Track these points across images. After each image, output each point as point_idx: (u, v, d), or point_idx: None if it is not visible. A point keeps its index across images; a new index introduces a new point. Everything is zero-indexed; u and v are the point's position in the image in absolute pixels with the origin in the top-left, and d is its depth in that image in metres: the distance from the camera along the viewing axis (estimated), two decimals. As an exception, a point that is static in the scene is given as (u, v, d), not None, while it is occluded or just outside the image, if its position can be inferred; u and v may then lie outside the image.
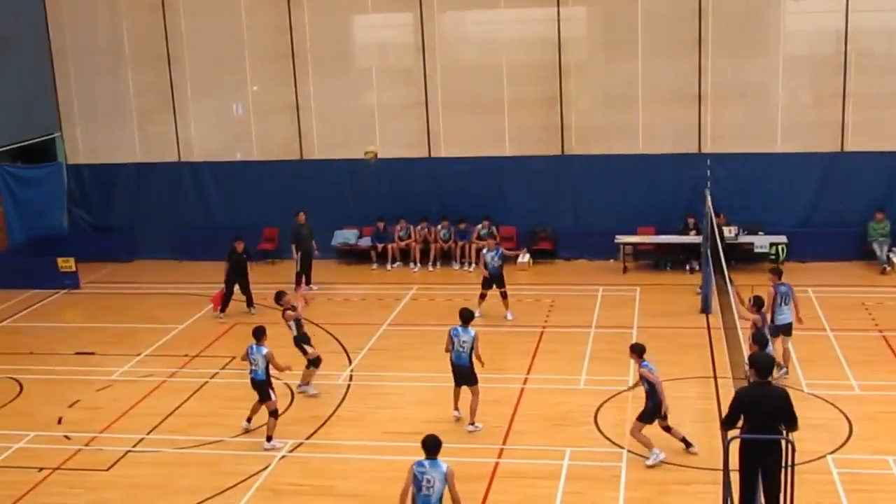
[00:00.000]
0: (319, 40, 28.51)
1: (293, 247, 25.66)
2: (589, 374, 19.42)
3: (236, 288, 23.89)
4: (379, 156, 25.19)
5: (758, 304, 17.40)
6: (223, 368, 20.16)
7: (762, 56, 27.21)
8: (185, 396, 18.87)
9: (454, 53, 28.48)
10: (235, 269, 23.81)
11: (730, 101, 27.18)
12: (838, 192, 27.01)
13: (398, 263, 28.03)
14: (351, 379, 19.50)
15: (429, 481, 11.77)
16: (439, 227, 27.85)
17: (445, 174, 28.28)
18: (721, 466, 11.45)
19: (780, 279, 18.40)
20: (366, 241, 28.33)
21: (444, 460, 11.98)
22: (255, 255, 28.30)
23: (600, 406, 17.75)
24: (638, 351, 15.70)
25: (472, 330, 16.98)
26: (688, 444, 15.70)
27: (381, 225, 27.94)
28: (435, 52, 28.08)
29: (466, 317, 17.23)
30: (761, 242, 26.21)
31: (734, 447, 11.65)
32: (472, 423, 16.95)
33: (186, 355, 21.24)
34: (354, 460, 16.11)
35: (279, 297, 19.14)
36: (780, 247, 26.42)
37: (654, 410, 15.43)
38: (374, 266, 27.97)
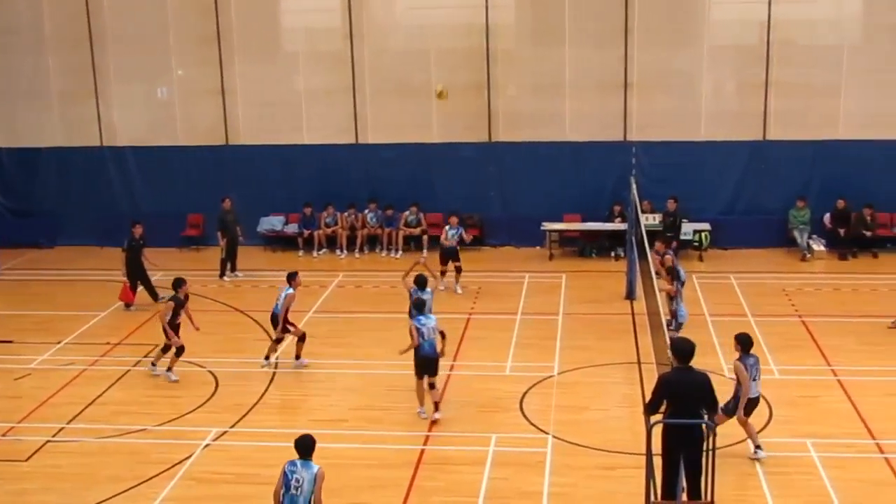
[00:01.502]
0: (246, 23, 28.21)
1: (219, 233, 25.42)
2: (515, 360, 19.49)
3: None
4: (305, 141, 24.98)
5: (672, 274, 19.06)
6: (146, 356, 19.87)
7: (687, 45, 27.51)
8: (106, 385, 18.57)
9: (383, 39, 28.37)
10: (135, 256, 23.33)
11: (655, 89, 27.44)
12: (760, 180, 27.46)
13: (324, 250, 27.87)
14: (276, 367, 19.35)
15: (297, 481, 11.55)
16: (367, 211, 27.76)
17: (373, 160, 28.19)
18: (644, 451, 11.55)
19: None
20: (292, 228, 28.14)
21: (316, 462, 11.79)
22: (180, 241, 28.07)
23: (526, 392, 17.82)
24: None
25: (433, 317, 17.00)
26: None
27: (307, 211, 27.75)
28: (363, 38, 27.95)
29: (421, 281, 18.26)
30: (685, 230, 26.50)
31: (657, 431, 11.78)
32: (437, 409, 16.84)
33: (108, 343, 20.91)
34: (280, 448, 15.89)
35: (177, 283, 18.78)
36: (703, 234, 26.77)
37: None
38: (301, 253, 27.78)
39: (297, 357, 19.21)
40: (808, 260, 26.32)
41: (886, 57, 26.74)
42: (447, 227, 24.10)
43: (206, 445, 16.00)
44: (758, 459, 14.83)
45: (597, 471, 14.86)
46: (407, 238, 27.60)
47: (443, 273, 23.87)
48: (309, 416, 17.03)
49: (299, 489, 11.49)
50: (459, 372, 18.93)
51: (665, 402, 11.96)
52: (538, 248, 27.67)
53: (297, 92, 28.53)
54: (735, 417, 14.85)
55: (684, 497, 12.21)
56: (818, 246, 26.70)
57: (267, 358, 19.25)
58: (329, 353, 19.98)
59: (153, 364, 18.91)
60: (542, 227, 27.25)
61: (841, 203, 26.72)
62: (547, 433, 16.17)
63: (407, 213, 27.52)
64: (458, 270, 23.89)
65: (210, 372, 18.69)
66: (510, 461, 15.33)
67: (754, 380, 14.71)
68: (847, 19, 27.39)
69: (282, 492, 11.53)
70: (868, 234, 26.46)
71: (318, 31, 28.87)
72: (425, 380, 16.62)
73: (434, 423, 16.50)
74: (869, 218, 26.52)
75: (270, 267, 26.39)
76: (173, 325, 18.48)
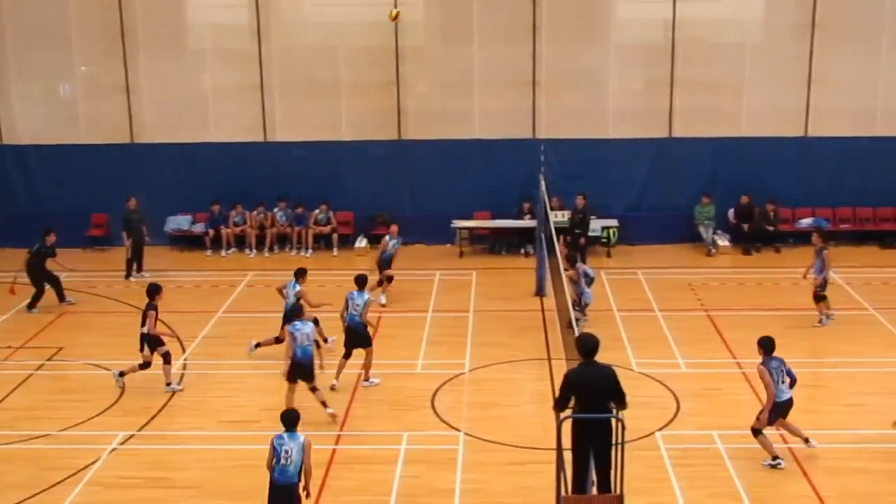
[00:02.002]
0: (151, 19, 27.76)
1: (124, 233, 25.01)
2: (426, 358, 19.52)
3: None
4: (212, 139, 24.64)
5: (571, 259, 20.34)
6: (49, 360, 19.45)
7: (594, 44, 27.85)
8: (8, 389, 18.12)
9: (291, 36, 28.18)
10: (41, 262, 22.74)
11: (564, 87, 27.71)
12: (667, 176, 27.85)
13: (233, 249, 27.58)
14: (185, 368, 19.09)
15: (287, 453, 12.31)
16: (276, 209, 27.52)
17: (282, 158, 27.95)
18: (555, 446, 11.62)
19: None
20: (200, 227, 27.78)
21: (302, 433, 12.54)
22: (84, 241, 27.55)
23: (437, 390, 17.85)
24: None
25: (366, 294, 17.91)
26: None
27: (215, 209, 27.42)
28: (271, 35, 27.72)
29: (361, 282, 18.03)
30: (594, 226, 26.77)
31: (567, 427, 11.85)
32: (368, 380, 18.02)
33: (10, 347, 20.39)
34: (190, 451, 15.79)
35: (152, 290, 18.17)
36: (611, 230, 27.06)
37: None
38: (209, 252, 27.46)
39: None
40: (713, 255, 26.78)
41: (787, 56, 27.33)
42: (387, 238, 23.18)
43: (114, 450, 15.71)
44: (774, 466, 14.85)
45: (508, 466, 14.94)
46: (317, 237, 27.44)
47: (380, 282, 22.91)
48: (219, 418, 16.83)
49: (289, 459, 12.31)
50: (371, 370, 18.85)
51: (573, 397, 12.03)
52: (449, 245, 27.74)
53: (203, 89, 28.17)
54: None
55: (594, 491, 12.31)
56: (723, 241, 27.19)
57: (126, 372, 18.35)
58: (239, 354, 19.75)
59: (167, 384, 18.06)
60: (452, 225, 27.31)
61: (744, 199, 27.24)
62: (459, 430, 16.22)
63: (317, 211, 27.37)
64: (389, 280, 23.16)
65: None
66: (422, 459, 15.33)
67: (781, 383, 14.76)
68: (749, 19, 27.97)
69: (273, 464, 12.34)
70: (771, 229, 27.02)
71: (226, 28, 28.55)
72: (298, 384, 16.52)
73: (334, 418, 16.50)
74: (772, 213, 27.08)
75: (177, 267, 26.07)
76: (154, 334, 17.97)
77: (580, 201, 25.91)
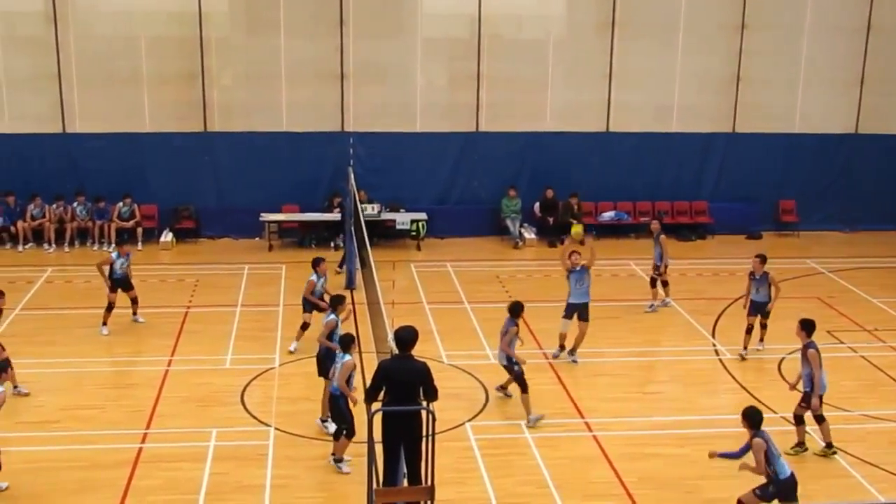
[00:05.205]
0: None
1: None
2: (235, 353, 19.22)
3: None
4: (9, 130, 23.49)
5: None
6: None
7: (401, 37, 27.98)
8: None
9: (89, 24, 27.15)
10: None
11: (371, 80, 27.72)
12: (474, 170, 28.24)
13: (31, 244, 26.49)
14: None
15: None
16: (75, 203, 26.58)
17: (81, 150, 26.93)
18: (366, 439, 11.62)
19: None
20: (-5, 221, 26.60)
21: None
22: None
23: (247, 385, 17.61)
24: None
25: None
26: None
27: (10, 200, 26.27)
28: (68, 22, 26.65)
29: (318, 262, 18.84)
30: (402, 219, 26.93)
31: (378, 419, 11.88)
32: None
33: None
34: (-17, 454, 15.09)
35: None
36: (420, 223, 27.24)
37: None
38: (8, 246, 26.31)
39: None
40: (520, 248, 27.32)
41: (589, 52, 28.10)
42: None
43: None
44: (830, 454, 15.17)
45: (318, 461, 14.86)
46: (120, 231, 26.62)
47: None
48: (16, 419, 16.05)
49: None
50: (177, 367, 18.48)
51: (384, 389, 12.07)
52: (257, 239, 27.36)
53: (-6, 77, 26.91)
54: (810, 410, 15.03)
55: (405, 483, 12.39)
56: (529, 234, 27.75)
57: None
58: (36, 352, 18.95)
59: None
60: (260, 218, 26.96)
61: (549, 192, 27.89)
62: (269, 425, 16.04)
63: (120, 204, 26.56)
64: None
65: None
66: (231, 455, 15.10)
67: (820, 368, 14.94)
68: (552, 15, 28.58)
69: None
70: (574, 221, 27.70)
71: (17, 15, 27.26)
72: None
73: (150, 420, 16.04)
74: (575, 206, 27.79)
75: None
76: None
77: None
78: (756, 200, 29.03)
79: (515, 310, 16.48)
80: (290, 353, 19.00)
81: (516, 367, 16.14)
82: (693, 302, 22.53)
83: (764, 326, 19.38)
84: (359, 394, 13.75)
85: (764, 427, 12.57)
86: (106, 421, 16.18)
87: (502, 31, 28.22)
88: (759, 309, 19.15)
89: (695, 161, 28.92)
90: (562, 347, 19.04)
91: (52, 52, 26.61)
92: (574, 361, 18.80)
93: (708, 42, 28.46)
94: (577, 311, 18.77)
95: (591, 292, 18.92)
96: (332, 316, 15.88)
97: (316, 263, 18.93)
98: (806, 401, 15.12)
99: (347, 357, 14.28)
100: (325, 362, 15.56)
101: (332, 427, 14.97)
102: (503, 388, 17.11)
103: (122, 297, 20.23)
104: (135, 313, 20.67)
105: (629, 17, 27.98)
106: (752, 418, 12.58)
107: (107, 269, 20.12)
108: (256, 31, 27.86)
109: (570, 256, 18.97)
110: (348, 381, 14.27)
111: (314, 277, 18.81)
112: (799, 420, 15.28)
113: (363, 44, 27.41)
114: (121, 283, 20.34)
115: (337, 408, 14.38)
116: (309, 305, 18.89)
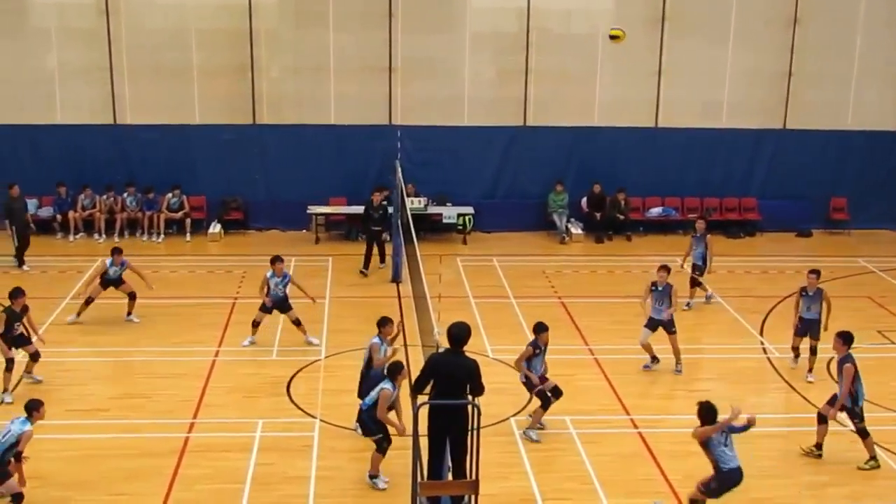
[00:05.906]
0: (-11, -4, 26.68)
1: (7, 222, 24.02)
2: (282, 344, 19.31)
3: None
4: (61, 121, 23.76)
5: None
6: None
7: (450, 31, 27.94)
8: None
9: (140, 17, 27.34)
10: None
11: (419, 74, 27.71)
12: (521, 164, 28.17)
13: (82, 234, 26.79)
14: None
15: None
16: (125, 194, 26.84)
17: (132, 142, 27.20)
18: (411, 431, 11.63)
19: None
20: (46, 212, 26.86)
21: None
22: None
23: (293, 376, 17.70)
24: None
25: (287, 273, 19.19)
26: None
27: (62, 190, 26.58)
28: (120, 15, 26.89)
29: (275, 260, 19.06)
30: (449, 213, 26.93)
31: (423, 412, 11.90)
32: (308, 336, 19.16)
33: None
34: (35, 441, 15.25)
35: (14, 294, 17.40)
36: (466, 217, 27.22)
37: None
38: (59, 236, 26.62)
39: None
40: (566, 243, 27.22)
41: (637, 47, 27.86)
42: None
43: (-47, 441, 15.05)
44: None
45: (363, 453, 14.85)
46: (169, 222, 26.85)
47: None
48: (66, 406, 16.27)
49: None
50: (225, 358, 18.62)
51: (431, 382, 12.09)
52: (304, 231, 27.49)
53: (48, 70, 27.13)
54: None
55: (450, 476, 12.40)
56: (576, 229, 27.65)
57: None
58: (85, 341, 19.22)
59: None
60: (307, 211, 27.07)
61: (596, 188, 27.77)
62: (314, 417, 16.11)
63: (169, 195, 26.79)
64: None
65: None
66: (277, 446, 15.18)
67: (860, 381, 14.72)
68: (601, 10, 28.38)
69: None
70: (621, 217, 27.61)
71: (71, 7, 27.53)
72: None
73: (197, 410, 16.15)
74: (622, 202, 27.66)
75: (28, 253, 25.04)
76: (7, 338, 17.03)
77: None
78: (806, 198, 28.70)
79: (536, 329, 16.04)
80: (244, 346, 19.11)
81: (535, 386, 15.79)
82: (741, 300, 22.34)
83: (814, 352, 17.93)
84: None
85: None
86: (154, 410, 16.32)
87: (551, 25, 28.09)
88: (809, 328, 17.95)
89: (744, 157, 28.64)
90: (653, 359, 18.52)
91: (104, 45, 26.89)
92: (678, 372, 18.34)
93: (758, 37, 28.17)
94: (661, 325, 18.33)
95: (640, 289, 18.78)
96: (388, 386, 13.92)
97: (272, 262, 19.14)
98: (851, 414, 14.84)
99: (385, 387, 13.74)
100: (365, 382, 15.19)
101: (382, 483, 14.12)
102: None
103: (167, 288, 20.36)
104: (129, 312, 20.50)
105: (678, 12, 27.78)
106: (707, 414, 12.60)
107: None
108: (305, 23, 27.93)
109: (657, 271, 18.59)
110: (390, 408, 13.85)
111: (268, 274, 19.05)
112: (863, 433, 14.89)
113: (411, 37, 27.42)
114: (113, 282, 20.34)
115: (367, 422, 14.12)
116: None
